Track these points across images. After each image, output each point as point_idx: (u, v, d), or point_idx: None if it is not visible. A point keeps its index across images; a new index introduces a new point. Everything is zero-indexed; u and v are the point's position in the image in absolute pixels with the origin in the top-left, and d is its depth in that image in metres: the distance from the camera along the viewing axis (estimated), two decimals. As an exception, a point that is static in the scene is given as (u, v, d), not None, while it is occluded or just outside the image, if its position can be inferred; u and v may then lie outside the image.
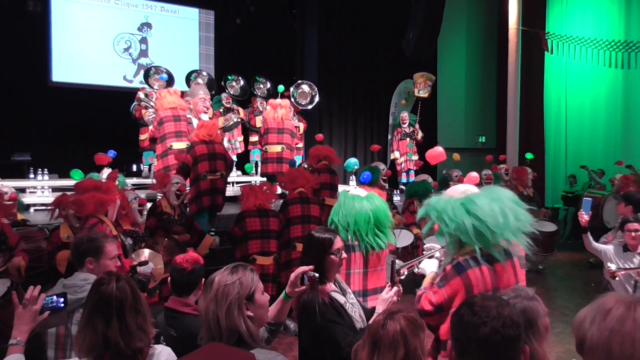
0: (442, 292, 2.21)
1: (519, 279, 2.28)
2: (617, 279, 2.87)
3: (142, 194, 5.89)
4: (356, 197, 2.92)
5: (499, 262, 2.17)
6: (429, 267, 2.59)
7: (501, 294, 1.88)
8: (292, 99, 9.23)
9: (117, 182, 4.92)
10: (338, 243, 2.39)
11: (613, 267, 3.05)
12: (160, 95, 6.81)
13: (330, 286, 2.37)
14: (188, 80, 8.77)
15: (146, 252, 4.14)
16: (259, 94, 9.07)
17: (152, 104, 7.51)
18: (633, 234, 3.98)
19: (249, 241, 4.95)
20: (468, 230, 2.16)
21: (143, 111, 7.82)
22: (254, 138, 9.31)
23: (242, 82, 9.06)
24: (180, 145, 6.55)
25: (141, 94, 8.02)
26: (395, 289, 2.31)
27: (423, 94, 10.04)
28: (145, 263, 3.76)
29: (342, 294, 2.40)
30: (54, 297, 1.94)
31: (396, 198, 7.78)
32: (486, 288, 2.16)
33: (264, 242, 5.00)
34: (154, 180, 5.70)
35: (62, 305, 1.94)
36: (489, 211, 2.17)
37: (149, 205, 5.24)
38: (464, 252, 2.19)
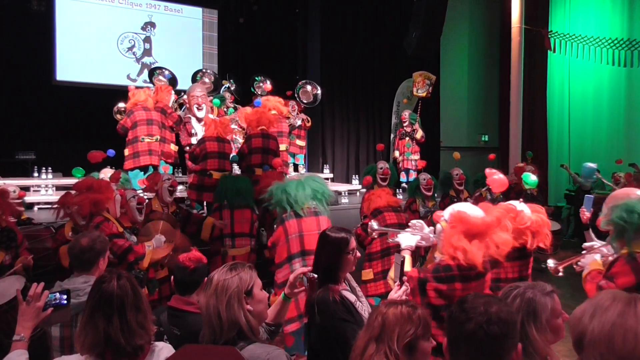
0: (276, 232, 3.88)
1: (320, 228, 3.65)
2: None
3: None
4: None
5: (302, 217, 3.75)
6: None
7: (517, 284, 1.90)
8: (296, 98, 9.30)
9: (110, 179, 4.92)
10: (353, 242, 2.43)
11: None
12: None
13: (342, 285, 2.39)
14: (194, 79, 8.78)
15: (160, 224, 4.21)
16: (259, 92, 9.06)
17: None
18: None
19: (208, 159, 6.21)
20: (283, 200, 3.79)
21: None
22: None
23: (234, 86, 9.11)
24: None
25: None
26: (404, 287, 2.32)
27: (421, 93, 10.03)
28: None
29: (352, 292, 2.42)
30: (57, 294, 1.96)
31: (399, 197, 7.76)
32: (294, 231, 3.74)
33: (221, 161, 6.29)
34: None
35: (65, 302, 1.97)
36: (294, 188, 3.80)
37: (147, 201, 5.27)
38: (286, 212, 3.77)
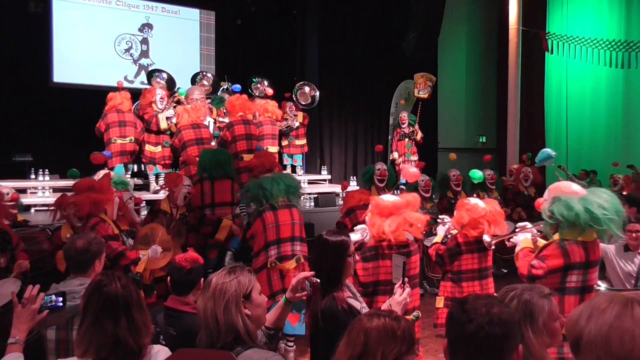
0: (255, 225, 4.25)
1: (293, 219, 4.23)
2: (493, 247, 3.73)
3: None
4: None
5: (278, 209, 4.17)
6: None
7: (514, 286, 1.92)
8: (294, 99, 9.32)
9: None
10: (352, 245, 2.41)
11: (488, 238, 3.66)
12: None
13: (346, 292, 2.35)
14: (194, 81, 8.79)
15: (159, 234, 4.20)
16: (257, 94, 9.06)
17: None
18: (634, 234, 4.01)
19: (187, 148, 6.59)
20: (259, 195, 4.19)
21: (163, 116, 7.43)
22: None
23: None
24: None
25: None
26: (407, 290, 2.28)
27: (423, 94, 10.03)
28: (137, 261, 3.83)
29: (355, 299, 2.39)
30: (53, 297, 1.95)
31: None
32: (271, 222, 4.14)
33: (199, 147, 6.54)
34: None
35: (61, 304, 1.95)
36: (270, 184, 4.21)
37: (144, 203, 5.30)
38: (263, 206, 4.20)
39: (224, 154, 5.47)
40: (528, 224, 3.41)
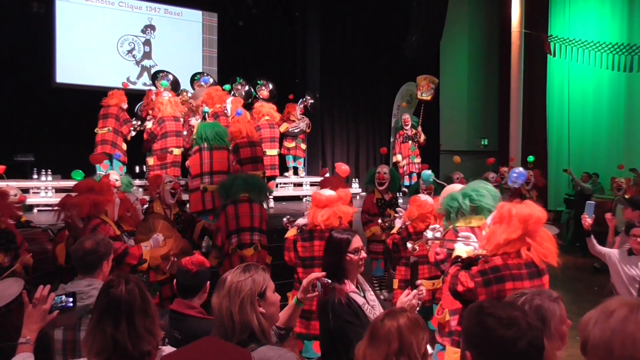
0: (219, 218, 4.69)
1: (253, 212, 4.65)
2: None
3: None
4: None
5: (239, 203, 4.64)
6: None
7: (525, 290, 1.93)
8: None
9: (115, 183, 4.91)
10: (356, 242, 2.47)
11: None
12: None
13: (350, 286, 2.39)
14: (192, 81, 8.81)
15: (160, 223, 4.24)
16: (260, 97, 9.07)
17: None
18: (639, 239, 3.97)
19: (168, 138, 7.05)
20: (222, 191, 4.74)
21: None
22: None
23: (247, 87, 9.10)
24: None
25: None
26: (415, 291, 2.24)
27: (426, 96, 10.04)
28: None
29: (362, 295, 2.42)
30: (63, 297, 1.95)
31: (399, 200, 7.76)
32: (232, 214, 4.58)
33: (178, 139, 7.09)
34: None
35: (71, 304, 1.95)
36: (230, 181, 4.77)
37: (147, 204, 5.30)
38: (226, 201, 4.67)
39: (220, 126, 6.04)
40: (437, 226, 3.67)
